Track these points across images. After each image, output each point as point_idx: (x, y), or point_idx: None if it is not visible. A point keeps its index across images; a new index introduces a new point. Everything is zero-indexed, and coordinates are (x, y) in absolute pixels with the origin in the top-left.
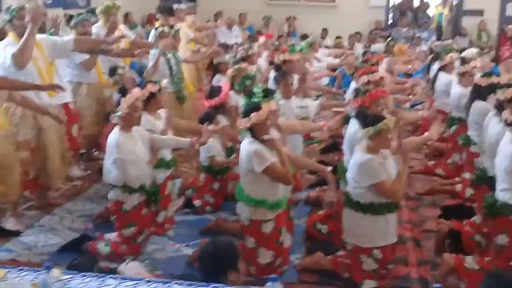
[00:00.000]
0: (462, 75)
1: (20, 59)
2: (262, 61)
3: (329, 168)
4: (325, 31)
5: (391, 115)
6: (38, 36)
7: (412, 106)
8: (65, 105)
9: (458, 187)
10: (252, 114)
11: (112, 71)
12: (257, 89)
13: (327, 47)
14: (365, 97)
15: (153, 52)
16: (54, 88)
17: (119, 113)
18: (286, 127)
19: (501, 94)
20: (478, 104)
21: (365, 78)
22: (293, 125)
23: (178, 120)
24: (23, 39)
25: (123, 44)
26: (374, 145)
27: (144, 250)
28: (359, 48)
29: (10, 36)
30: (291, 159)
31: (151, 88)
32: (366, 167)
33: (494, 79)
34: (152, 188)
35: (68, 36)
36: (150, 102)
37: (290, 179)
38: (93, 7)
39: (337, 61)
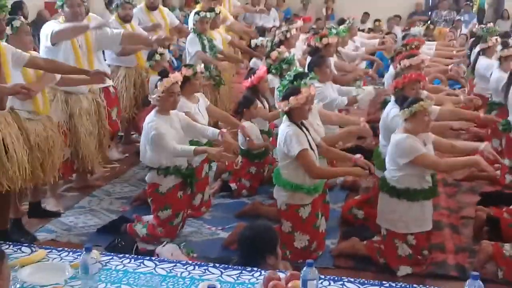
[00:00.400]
0: (503, 59)
1: (57, 36)
2: (299, 45)
3: (358, 155)
4: (366, 15)
5: (429, 98)
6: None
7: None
8: (105, 89)
9: (498, 173)
10: (291, 97)
11: (150, 56)
12: (289, 73)
13: (365, 30)
14: (400, 79)
15: (192, 36)
16: (101, 74)
17: (154, 96)
18: (321, 115)
19: None
20: None
21: (406, 62)
22: (329, 116)
23: (215, 110)
24: (74, 26)
25: (163, 30)
26: (412, 128)
27: (180, 233)
28: (398, 31)
29: (59, 19)
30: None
31: (185, 71)
32: (404, 144)
33: None
34: (187, 171)
35: (117, 30)
36: (185, 85)
37: (316, 171)
38: None
39: (374, 43)
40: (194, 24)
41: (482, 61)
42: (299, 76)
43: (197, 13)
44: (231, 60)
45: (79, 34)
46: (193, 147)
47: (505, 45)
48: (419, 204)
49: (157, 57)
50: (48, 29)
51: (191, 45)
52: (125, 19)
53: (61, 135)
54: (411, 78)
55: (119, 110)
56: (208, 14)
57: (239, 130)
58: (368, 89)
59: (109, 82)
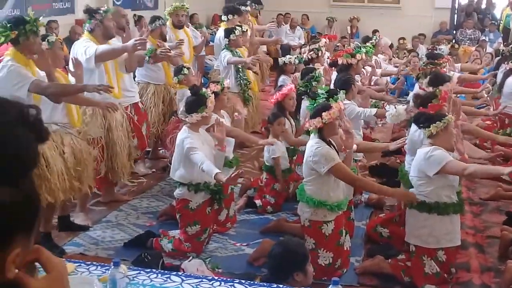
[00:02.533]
0: None
1: (100, 58)
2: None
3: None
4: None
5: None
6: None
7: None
8: (135, 105)
9: None
10: (323, 113)
11: (178, 70)
12: (321, 90)
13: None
14: (429, 108)
15: (225, 51)
16: (100, 89)
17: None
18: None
19: None
20: None
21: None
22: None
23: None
24: (114, 48)
25: (187, 46)
26: (438, 143)
27: (206, 248)
28: (423, 50)
29: (87, 37)
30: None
31: (213, 87)
32: (432, 155)
33: None
34: (216, 187)
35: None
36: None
37: (355, 179)
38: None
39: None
40: (228, 41)
41: (510, 80)
42: (332, 93)
43: (232, 30)
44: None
45: (119, 55)
46: (216, 171)
47: None
48: (449, 218)
49: (185, 70)
50: (88, 51)
51: (223, 59)
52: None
53: (97, 149)
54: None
55: (148, 126)
56: (241, 31)
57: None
58: (400, 110)
59: (137, 98)
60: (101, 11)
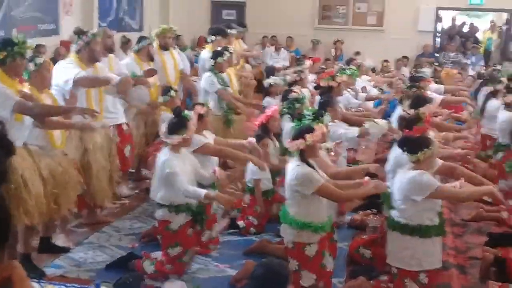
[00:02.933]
0: (510, 102)
1: (78, 83)
2: (308, 85)
3: (366, 178)
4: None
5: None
6: (104, 66)
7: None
8: (118, 126)
9: (504, 214)
10: (306, 135)
11: (165, 91)
12: (307, 112)
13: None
14: (414, 131)
15: (210, 75)
16: (85, 112)
17: (176, 139)
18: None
19: None
20: None
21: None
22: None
23: (221, 140)
24: (97, 78)
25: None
26: (421, 168)
27: (188, 270)
28: (406, 72)
29: (73, 58)
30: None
31: (199, 109)
32: (420, 180)
33: None
34: (198, 208)
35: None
36: (197, 123)
37: (342, 196)
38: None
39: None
40: (214, 63)
41: (492, 103)
42: (317, 115)
43: (221, 53)
44: (246, 104)
45: (100, 86)
46: (204, 191)
47: (509, 90)
48: (431, 240)
49: (172, 93)
50: (67, 73)
51: (210, 84)
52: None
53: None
54: (422, 130)
55: (133, 148)
56: (228, 54)
57: (247, 144)
58: (381, 123)
59: (122, 119)
60: (90, 34)
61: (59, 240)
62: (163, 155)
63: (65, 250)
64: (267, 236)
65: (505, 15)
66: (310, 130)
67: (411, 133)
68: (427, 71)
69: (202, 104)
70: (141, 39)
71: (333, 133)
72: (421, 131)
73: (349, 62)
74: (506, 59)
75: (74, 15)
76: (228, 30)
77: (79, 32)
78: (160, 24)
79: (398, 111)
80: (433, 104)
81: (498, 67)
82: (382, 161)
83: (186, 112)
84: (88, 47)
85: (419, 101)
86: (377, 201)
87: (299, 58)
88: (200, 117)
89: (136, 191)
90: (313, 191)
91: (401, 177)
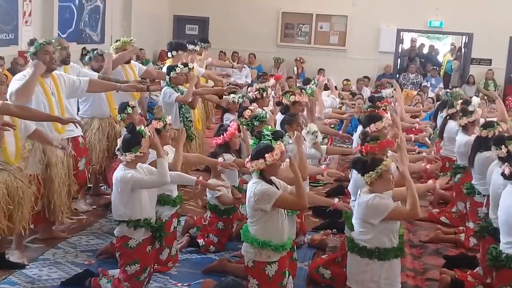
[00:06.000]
0: (465, 124)
1: (21, 96)
2: (270, 102)
3: (337, 200)
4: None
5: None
6: (60, 73)
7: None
8: (74, 139)
9: (462, 236)
10: (266, 155)
11: (121, 108)
12: (266, 131)
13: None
14: (375, 145)
15: (167, 88)
16: (74, 122)
17: (129, 156)
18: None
19: None
20: (481, 155)
21: (372, 127)
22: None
23: (187, 154)
24: (26, 79)
25: (132, 78)
26: (377, 188)
27: None
28: (367, 92)
29: (30, 70)
30: None
31: (155, 124)
32: (373, 205)
33: (496, 130)
34: (157, 225)
35: (84, 78)
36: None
37: (303, 203)
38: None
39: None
40: (169, 78)
41: (450, 125)
42: (277, 135)
43: (173, 67)
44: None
45: (34, 86)
46: (194, 178)
47: (464, 112)
48: (389, 263)
49: (129, 110)
50: (11, 87)
51: (169, 95)
52: (98, 71)
53: (35, 185)
54: (384, 145)
55: (88, 161)
56: (184, 69)
57: (218, 167)
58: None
59: (78, 132)
60: (36, 44)
61: (14, 256)
62: (118, 172)
63: (19, 266)
64: (227, 254)
65: (464, 38)
66: (270, 149)
67: (374, 148)
68: (389, 92)
69: (159, 119)
70: (87, 52)
71: (291, 150)
72: (383, 146)
73: (306, 82)
74: (465, 82)
75: (33, 26)
76: (191, 46)
77: (31, 43)
78: (121, 37)
79: (359, 130)
80: (384, 122)
81: (458, 89)
82: (342, 180)
83: (141, 128)
84: (36, 58)
85: (370, 119)
86: (338, 221)
87: (260, 76)
88: (158, 131)
89: (94, 206)
90: (272, 204)
91: (359, 200)
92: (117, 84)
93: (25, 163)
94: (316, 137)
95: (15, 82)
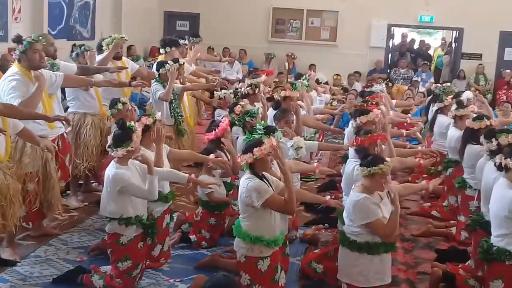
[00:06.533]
0: (458, 118)
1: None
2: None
3: (328, 196)
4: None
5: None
6: (43, 71)
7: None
8: (62, 136)
9: (453, 230)
10: (254, 149)
11: (112, 104)
12: (258, 126)
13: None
14: (366, 138)
15: (157, 84)
16: (61, 120)
17: (119, 152)
18: None
19: (503, 140)
20: (471, 148)
21: (362, 119)
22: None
23: (180, 151)
24: (32, 95)
25: (124, 75)
26: (369, 186)
27: (138, 284)
28: (358, 87)
29: (17, 67)
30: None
31: (145, 120)
32: (360, 206)
33: (486, 122)
34: (149, 221)
35: (59, 73)
36: (145, 134)
37: (292, 207)
38: (100, 43)
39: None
40: (159, 74)
41: (441, 119)
42: (269, 130)
43: (163, 63)
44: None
45: (39, 100)
46: (186, 175)
47: (459, 105)
48: (379, 258)
49: (119, 106)
50: (10, 96)
51: (155, 92)
52: None
53: (35, 183)
54: (374, 138)
55: (71, 157)
56: (175, 65)
57: (210, 164)
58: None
59: (63, 129)
60: (25, 42)
61: (5, 253)
62: (109, 169)
63: (11, 263)
64: (219, 250)
65: (454, 33)
66: (259, 144)
67: (364, 140)
68: (381, 87)
69: (149, 115)
70: (79, 47)
71: (283, 150)
72: (374, 139)
73: (297, 77)
74: (455, 76)
75: (23, 22)
76: (181, 41)
77: (17, 40)
78: (112, 33)
79: (351, 125)
80: (371, 116)
81: (449, 84)
82: (334, 175)
83: (131, 123)
84: (26, 56)
85: (360, 112)
86: (330, 216)
87: (252, 71)
88: (147, 128)
89: (85, 203)
90: (262, 202)
91: (350, 195)
92: (91, 80)
93: (28, 161)
94: (298, 154)
95: (7, 83)
